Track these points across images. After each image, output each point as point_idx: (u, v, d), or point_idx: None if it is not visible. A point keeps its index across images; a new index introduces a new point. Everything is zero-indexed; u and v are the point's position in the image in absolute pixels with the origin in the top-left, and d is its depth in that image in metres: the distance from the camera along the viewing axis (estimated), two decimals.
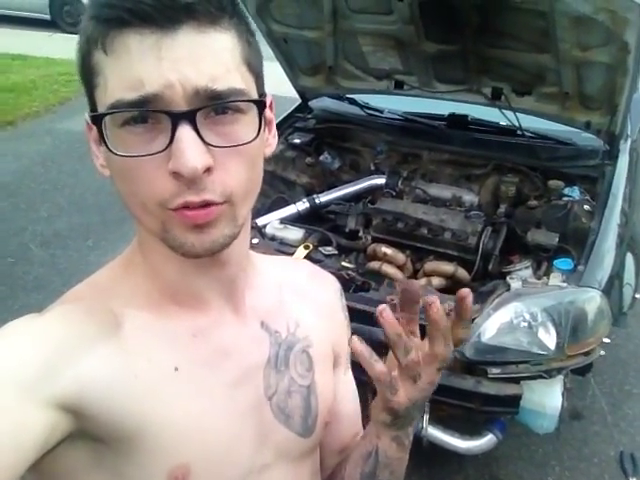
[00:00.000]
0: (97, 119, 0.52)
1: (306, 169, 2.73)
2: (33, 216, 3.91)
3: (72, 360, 0.51)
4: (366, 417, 0.82)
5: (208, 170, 0.51)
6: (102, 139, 0.52)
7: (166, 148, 0.50)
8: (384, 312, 0.56)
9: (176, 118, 0.50)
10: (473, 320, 1.85)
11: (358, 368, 0.82)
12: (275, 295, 0.72)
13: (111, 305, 0.58)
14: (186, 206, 0.52)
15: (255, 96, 0.55)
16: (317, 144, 2.80)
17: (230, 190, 0.53)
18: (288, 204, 2.45)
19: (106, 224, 3.79)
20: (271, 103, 0.61)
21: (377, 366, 0.57)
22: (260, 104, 0.55)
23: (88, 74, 0.53)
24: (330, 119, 2.84)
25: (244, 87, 0.53)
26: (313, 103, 2.92)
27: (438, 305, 0.55)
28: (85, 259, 3.37)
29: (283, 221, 2.30)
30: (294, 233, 2.23)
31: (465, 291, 0.56)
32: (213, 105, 0.51)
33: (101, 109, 0.52)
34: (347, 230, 2.44)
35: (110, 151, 0.52)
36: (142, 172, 0.51)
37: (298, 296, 0.74)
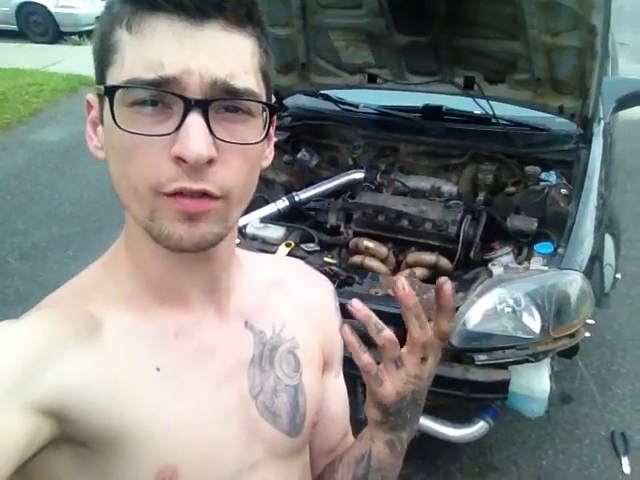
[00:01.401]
0: (111, 92, 0.51)
1: (284, 167, 2.72)
2: (10, 229, 3.85)
3: (51, 364, 0.50)
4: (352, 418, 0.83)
5: (210, 162, 0.51)
6: (111, 112, 0.51)
7: (173, 132, 0.50)
8: (398, 283, 0.54)
9: (189, 104, 0.50)
10: (457, 308, 1.85)
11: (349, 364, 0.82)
12: (261, 295, 0.71)
13: (91, 307, 0.58)
14: (181, 193, 0.51)
15: None
16: (294, 142, 2.79)
17: (229, 187, 0.53)
18: (268, 203, 2.44)
19: (86, 234, 3.75)
20: (273, 120, 0.61)
21: (364, 357, 0.57)
22: (271, 109, 0.56)
23: (105, 51, 0.53)
24: (306, 116, 2.83)
25: (258, 92, 0.54)
26: (287, 101, 2.91)
27: (404, 283, 0.54)
28: (66, 270, 3.32)
29: (263, 220, 2.29)
30: (275, 232, 2.22)
31: (443, 278, 0.55)
32: (229, 99, 0.52)
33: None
34: (328, 226, 2.43)
35: (117, 125, 0.51)
36: (143, 153, 0.51)
37: (287, 297, 0.73)
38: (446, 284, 0.55)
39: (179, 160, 0.50)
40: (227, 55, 0.51)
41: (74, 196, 4.25)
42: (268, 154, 0.63)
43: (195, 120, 0.50)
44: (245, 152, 0.54)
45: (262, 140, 0.55)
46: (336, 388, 0.80)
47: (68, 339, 0.53)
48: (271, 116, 0.57)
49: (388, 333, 0.56)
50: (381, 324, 0.56)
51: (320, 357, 0.75)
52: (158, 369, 0.58)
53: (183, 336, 0.61)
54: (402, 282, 0.54)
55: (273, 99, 0.60)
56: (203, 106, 0.50)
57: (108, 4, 0.54)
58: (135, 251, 0.61)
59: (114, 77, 0.52)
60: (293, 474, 0.71)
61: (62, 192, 4.32)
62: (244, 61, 0.53)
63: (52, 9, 8.56)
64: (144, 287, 0.61)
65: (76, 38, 8.34)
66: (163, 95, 0.50)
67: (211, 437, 0.61)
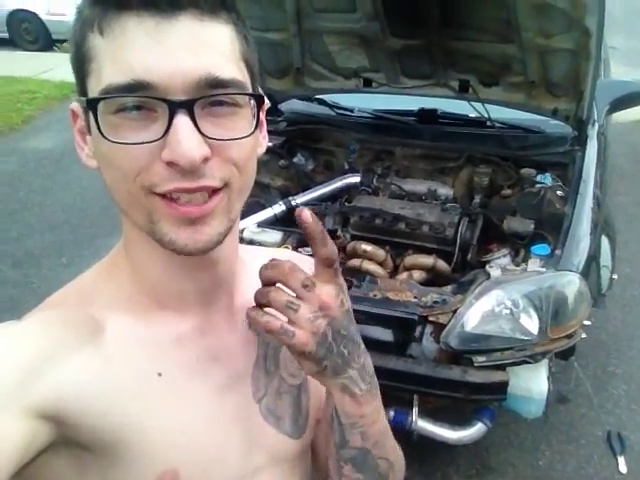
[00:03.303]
0: (91, 104, 0.50)
1: (280, 172, 2.72)
2: (3, 237, 3.82)
3: (50, 368, 0.49)
4: None
5: (205, 160, 0.50)
6: (96, 124, 0.50)
7: (161, 137, 0.49)
8: (303, 212, 0.54)
9: (174, 107, 0.48)
10: (455, 310, 1.86)
11: None
12: None
13: (92, 310, 0.57)
14: (176, 198, 0.50)
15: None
16: (289, 146, 2.79)
17: (229, 176, 0.52)
18: (264, 208, 2.44)
19: (79, 241, 3.73)
20: (263, 105, 0.60)
21: (262, 319, 0.55)
22: (258, 99, 0.54)
23: (81, 61, 0.52)
24: (301, 121, 2.83)
25: (243, 79, 0.53)
26: (282, 106, 2.91)
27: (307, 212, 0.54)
28: (59, 277, 3.29)
29: (260, 225, 2.29)
30: (272, 236, 2.22)
31: (299, 209, 0.54)
32: (212, 96, 0.50)
33: (93, 95, 0.50)
34: (325, 230, 2.42)
35: (103, 136, 0.50)
36: (133, 158, 0.50)
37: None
38: (303, 212, 0.54)
39: (172, 164, 0.49)
40: (205, 47, 0.49)
41: (67, 203, 4.23)
42: (262, 140, 0.62)
43: (182, 122, 0.48)
44: (239, 144, 0.52)
45: (253, 132, 0.54)
46: None
47: (68, 342, 0.52)
48: (259, 105, 0.55)
49: (269, 287, 0.56)
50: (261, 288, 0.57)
51: None
52: (160, 374, 0.57)
53: (186, 342, 0.60)
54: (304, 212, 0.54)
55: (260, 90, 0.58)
56: (188, 107, 0.48)
57: (78, 8, 0.52)
58: (135, 257, 0.60)
59: (93, 87, 0.50)
60: (296, 478, 0.70)
61: (55, 199, 4.29)
62: (224, 50, 0.51)
63: (43, 17, 8.51)
64: (145, 293, 0.60)
65: (67, 45, 8.32)
66: (145, 100, 0.49)
67: (214, 442, 0.60)
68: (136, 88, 0.48)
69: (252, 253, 0.73)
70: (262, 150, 0.62)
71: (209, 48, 0.50)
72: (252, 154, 0.56)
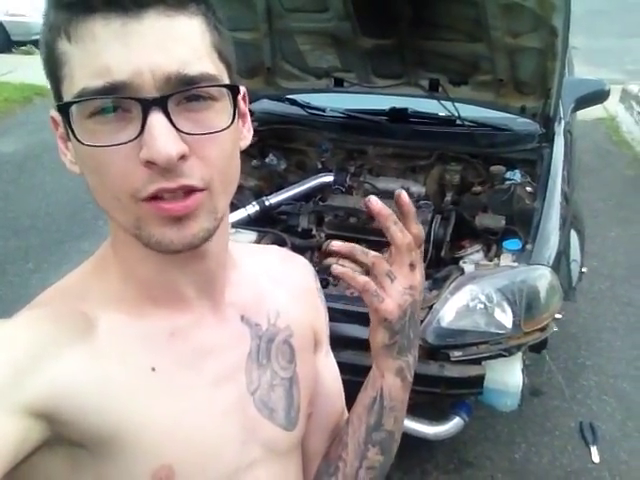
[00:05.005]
0: (63, 109, 0.49)
1: (252, 172, 2.70)
2: None
3: (42, 365, 0.49)
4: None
5: (183, 157, 0.49)
6: (69, 129, 0.49)
7: (137, 137, 0.48)
8: (371, 199, 0.59)
9: (147, 105, 0.48)
10: (431, 306, 1.87)
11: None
12: (254, 286, 0.70)
13: (83, 307, 0.56)
14: (160, 197, 0.50)
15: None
16: (261, 146, 2.77)
17: (209, 176, 0.52)
18: (237, 208, 2.42)
19: (46, 246, 3.64)
20: (244, 95, 0.59)
21: (360, 278, 0.61)
22: (233, 90, 0.53)
23: (53, 66, 0.51)
24: (272, 121, 2.82)
25: (216, 73, 0.52)
26: (253, 106, 2.89)
27: (375, 198, 0.59)
28: (26, 283, 3.21)
29: (234, 225, 2.27)
30: (247, 237, 2.20)
31: (398, 191, 0.60)
32: (185, 91, 0.49)
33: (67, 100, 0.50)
34: (300, 229, 2.42)
35: (78, 141, 0.49)
36: (112, 163, 0.49)
37: (275, 283, 0.73)
38: (402, 194, 0.60)
39: (150, 164, 0.48)
40: (175, 43, 0.49)
41: (32, 208, 4.14)
42: (246, 133, 0.62)
43: (156, 120, 0.48)
44: (218, 138, 0.52)
45: (231, 124, 0.53)
46: (327, 366, 0.81)
47: (60, 339, 0.52)
48: (235, 96, 0.54)
49: (374, 253, 0.61)
50: (365, 249, 0.62)
51: (312, 339, 0.76)
52: (153, 369, 0.57)
53: (179, 336, 0.60)
54: (373, 198, 0.60)
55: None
56: (161, 104, 0.48)
57: (45, 12, 0.51)
58: (124, 256, 0.59)
59: (67, 92, 0.50)
60: (290, 470, 0.71)
61: (19, 204, 4.20)
62: (194, 44, 0.50)
63: (1, 18, 8.33)
64: (136, 289, 0.59)
65: (27, 47, 8.12)
66: (118, 101, 0.48)
67: (209, 436, 0.60)
68: (108, 91, 0.47)
69: (242, 250, 0.73)
70: (246, 143, 0.61)
71: (178, 43, 0.49)
72: (233, 150, 0.55)
